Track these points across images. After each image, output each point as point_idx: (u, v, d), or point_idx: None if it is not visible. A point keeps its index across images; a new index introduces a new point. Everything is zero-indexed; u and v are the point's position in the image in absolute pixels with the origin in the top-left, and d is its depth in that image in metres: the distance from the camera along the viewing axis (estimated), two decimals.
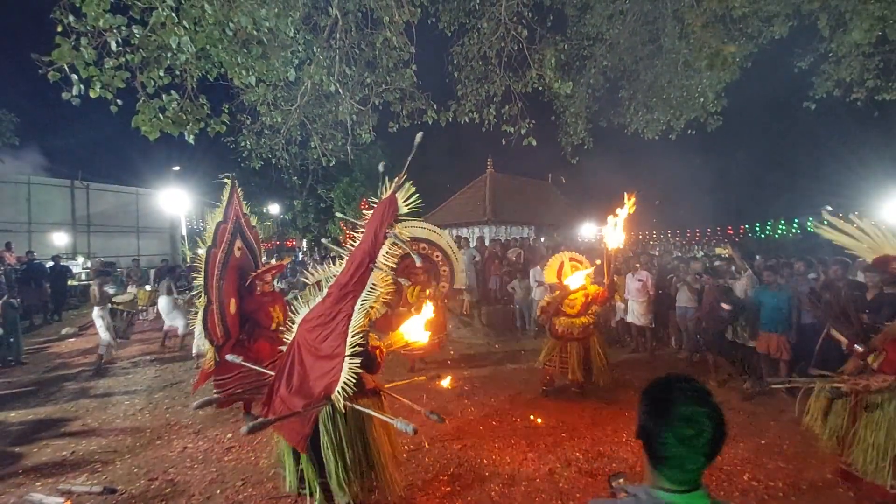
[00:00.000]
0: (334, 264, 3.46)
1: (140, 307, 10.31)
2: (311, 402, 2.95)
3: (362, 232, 3.19)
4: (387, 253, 3.10)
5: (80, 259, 14.90)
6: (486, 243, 12.21)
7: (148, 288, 11.00)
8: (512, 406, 5.24)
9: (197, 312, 4.41)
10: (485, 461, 3.97)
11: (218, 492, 3.56)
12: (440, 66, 6.76)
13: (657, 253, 13.14)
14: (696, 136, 7.57)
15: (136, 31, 3.85)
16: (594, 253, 6.87)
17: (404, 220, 3.35)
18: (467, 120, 6.62)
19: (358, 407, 3.01)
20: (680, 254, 13.86)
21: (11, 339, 7.23)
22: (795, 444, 4.16)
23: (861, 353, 3.51)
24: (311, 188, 25.25)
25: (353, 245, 3.24)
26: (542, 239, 16.77)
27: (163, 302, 7.94)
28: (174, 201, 16.96)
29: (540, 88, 6.45)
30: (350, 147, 6.99)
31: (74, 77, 3.63)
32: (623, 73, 7.41)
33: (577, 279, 5.52)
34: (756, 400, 5.29)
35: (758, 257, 9.19)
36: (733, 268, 7.31)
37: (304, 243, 25.26)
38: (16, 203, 15.19)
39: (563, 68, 6.60)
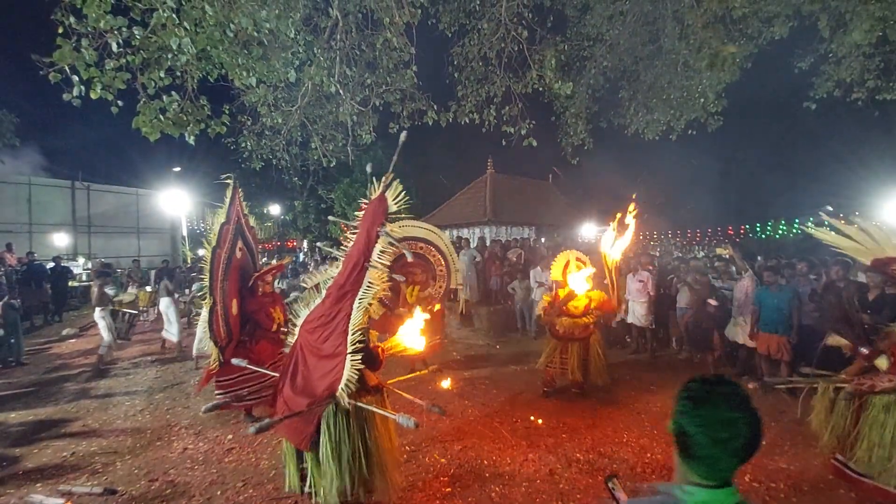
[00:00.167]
0: (331, 265, 3.50)
1: (141, 308, 10.32)
2: (315, 401, 2.99)
3: (356, 232, 3.24)
4: (381, 251, 3.15)
5: (81, 260, 14.91)
6: (487, 244, 12.20)
7: (148, 289, 11.01)
8: (512, 406, 5.23)
9: (201, 314, 4.42)
10: (485, 462, 3.96)
11: (218, 493, 3.56)
12: (440, 66, 6.78)
13: (658, 253, 13.14)
14: (696, 136, 7.57)
15: (136, 32, 3.86)
16: (594, 253, 6.88)
17: (401, 220, 3.38)
18: (468, 120, 6.62)
19: (360, 404, 3.05)
20: (680, 254, 13.87)
21: (12, 340, 7.24)
22: (796, 445, 4.16)
23: (866, 355, 3.50)
24: (312, 189, 25.24)
25: (347, 246, 3.28)
26: (543, 239, 16.77)
27: (164, 303, 7.94)
28: (175, 202, 16.96)
29: (540, 89, 6.45)
30: (350, 148, 7.00)
31: (75, 78, 3.64)
32: (623, 73, 7.41)
33: (580, 280, 5.52)
34: (756, 400, 5.28)
35: (759, 258, 9.19)
36: (734, 268, 7.32)
37: (305, 244, 25.25)
38: (16, 204, 15.21)
39: (563, 69, 6.61)
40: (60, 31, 3.57)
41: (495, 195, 17.65)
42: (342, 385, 2.96)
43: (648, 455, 4.08)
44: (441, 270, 6.68)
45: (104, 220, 17.61)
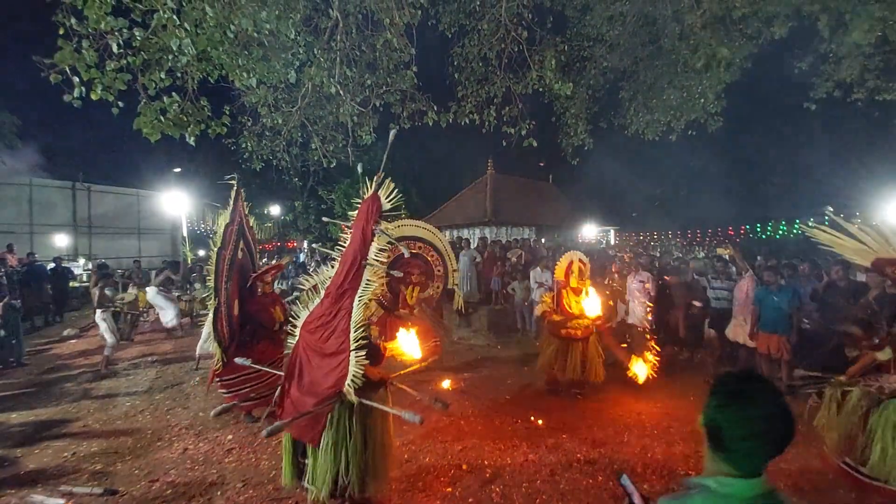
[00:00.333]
0: (328, 266, 3.53)
1: (141, 308, 10.32)
2: (323, 399, 3.04)
3: (350, 232, 3.29)
4: (378, 249, 3.20)
5: (82, 261, 14.92)
6: (488, 244, 12.20)
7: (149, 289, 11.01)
8: (512, 407, 5.23)
9: (207, 314, 4.43)
10: (486, 462, 3.96)
11: (218, 493, 3.56)
12: (440, 67, 6.78)
13: (658, 254, 13.14)
14: (696, 136, 7.57)
15: (137, 33, 3.87)
16: (594, 253, 6.89)
17: (399, 220, 3.43)
18: (468, 121, 6.62)
19: (366, 401, 3.10)
20: (681, 255, 13.85)
21: (13, 341, 7.24)
22: (797, 445, 4.14)
23: (874, 344, 3.47)
24: (312, 189, 25.26)
25: (343, 246, 3.33)
26: (543, 240, 16.77)
27: (150, 293, 7.92)
28: (175, 203, 16.97)
29: (540, 90, 6.45)
30: (351, 148, 7.00)
31: (76, 79, 3.65)
32: (623, 74, 7.41)
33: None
34: None
35: (759, 258, 9.18)
36: (734, 268, 7.31)
37: (306, 244, 25.26)
38: (17, 205, 15.22)
39: (563, 69, 6.61)
40: (61, 32, 3.58)
41: (495, 195, 17.67)
42: (348, 381, 3.01)
43: (649, 455, 4.08)
44: (439, 271, 6.69)
45: (105, 220, 17.62)
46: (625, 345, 7.74)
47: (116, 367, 7.03)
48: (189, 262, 14.35)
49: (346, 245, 3.29)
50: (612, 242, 22.03)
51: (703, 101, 6.61)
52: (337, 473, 3.05)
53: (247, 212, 5.06)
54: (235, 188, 4.73)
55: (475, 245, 12.34)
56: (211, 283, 4.38)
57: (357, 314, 3.12)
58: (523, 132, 6.37)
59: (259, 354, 4.69)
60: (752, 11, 5.48)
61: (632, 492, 1.38)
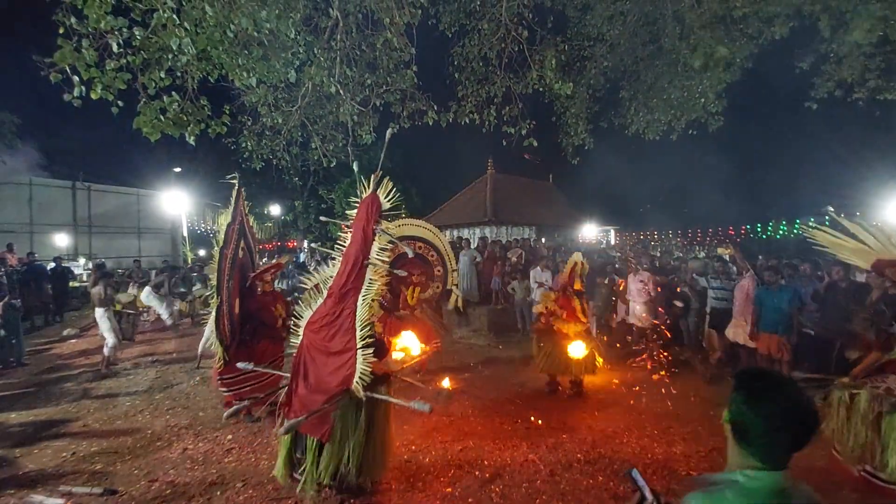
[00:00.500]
0: (328, 265, 3.56)
1: (140, 308, 10.31)
2: (331, 397, 3.13)
3: (350, 232, 3.34)
4: (380, 249, 3.27)
5: (82, 260, 14.92)
6: (488, 244, 12.19)
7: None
8: (512, 407, 5.23)
9: (210, 313, 4.44)
10: (486, 462, 3.96)
11: (218, 493, 3.56)
12: (441, 67, 6.76)
13: (658, 254, 13.13)
14: (696, 136, 7.56)
15: (137, 32, 3.86)
16: (595, 253, 6.90)
17: (400, 219, 3.47)
18: (468, 121, 6.61)
19: (375, 395, 3.21)
20: (681, 254, 13.85)
21: (13, 340, 7.24)
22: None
23: (883, 340, 3.44)
24: (312, 189, 25.26)
25: (343, 246, 3.38)
26: (543, 240, 16.77)
27: (144, 293, 7.90)
28: (175, 202, 16.98)
29: (540, 89, 6.44)
30: (351, 148, 6.99)
31: (76, 78, 3.64)
32: (623, 73, 7.40)
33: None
34: None
35: (760, 258, 9.17)
36: (734, 268, 7.31)
37: (306, 244, 25.27)
38: (17, 204, 15.22)
39: (563, 69, 6.59)
40: (61, 31, 3.58)
41: (496, 195, 17.66)
42: (356, 379, 3.10)
43: (649, 455, 4.07)
44: (439, 271, 6.67)
45: (105, 220, 17.62)
46: (625, 344, 7.76)
47: (116, 367, 7.03)
48: (189, 261, 14.35)
49: (346, 245, 3.33)
50: (612, 242, 22.02)
51: (703, 100, 6.60)
52: (339, 464, 3.14)
53: (247, 211, 5.08)
54: (236, 187, 4.74)
55: (475, 245, 12.34)
56: (213, 282, 4.38)
57: (362, 313, 3.19)
58: (523, 132, 6.36)
59: (260, 353, 4.72)
60: (753, 11, 5.47)
61: (642, 485, 1.37)
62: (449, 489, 3.56)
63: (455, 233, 16.78)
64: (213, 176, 21.29)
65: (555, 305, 5.64)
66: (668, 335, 7.01)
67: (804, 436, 1.11)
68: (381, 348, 3.37)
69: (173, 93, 4.35)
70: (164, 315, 7.71)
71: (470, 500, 3.44)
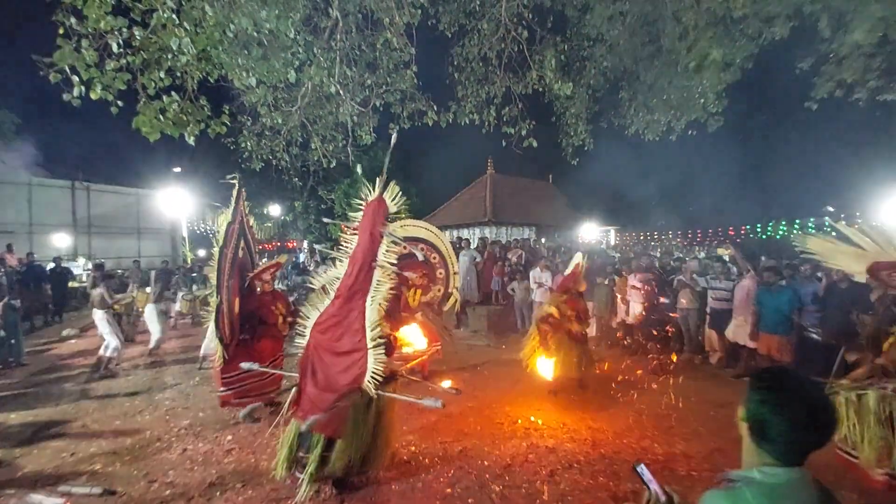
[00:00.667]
0: (330, 266, 3.60)
1: (139, 309, 10.29)
2: (342, 395, 3.20)
3: (356, 234, 3.38)
4: (386, 251, 3.32)
5: (81, 260, 14.91)
6: (488, 245, 12.20)
7: (148, 290, 10.98)
8: (513, 407, 5.22)
9: (210, 312, 4.45)
10: (486, 463, 3.95)
11: (218, 494, 3.55)
12: (440, 67, 6.76)
13: (658, 254, 13.14)
14: (696, 137, 7.55)
15: (136, 33, 3.86)
16: (595, 253, 6.91)
17: (401, 220, 3.50)
18: (468, 121, 6.61)
19: (386, 393, 3.30)
20: (681, 255, 13.85)
21: (12, 341, 7.22)
22: None
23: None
24: (312, 189, 25.22)
25: (347, 247, 3.42)
26: (543, 240, 16.77)
27: (147, 311, 7.86)
28: (175, 202, 16.97)
29: (540, 89, 6.44)
30: (351, 148, 6.99)
31: (75, 78, 3.64)
32: (623, 73, 7.38)
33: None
34: None
35: (763, 258, 9.16)
36: (735, 269, 7.31)
37: (306, 244, 25.29)
38: (17, 204, 15.20)
39: (563, 69, 6.58)
40: (61, 31, 3.57)
41: (495, 195, 17.66)
42: (367, 378, 3.17)
43: (649, 456, 4.07)
44: (441, 274, 6.65)
45: (104, 220, 17.59)
46: (625, 343, 7.76)
47: (116, 368, 7.01)
48: (189, 262, 14.35)
49: (352, 246, 3.38)
50: (612, 243, 22.02)
51: (703, 101, 6.59)
52: (350, 459, 3.25)
53: (247, 211, 5.09)
54: (237, 187, 4.75)
55: (475, 245, 12.33)
56: (213, 281, 4.39)
57: (372, 314, 3.26)
58: (523, 132, 6.36)
59: (260, 352, 4.74)
60: (753, 12, 5.46)
61: (649, 480, 1.36)
62: (449, 489, 3.56)
63: (455, 233, 16.78)
64: (212, 176, 21.25)
65: (566, 308, 5.65)
66: (657, 333, 7.02)
67: (825, 434, 1.12)
68: (388, 347, 3.43)
69: (173, 93, 4.34)
70: (155, 335, 7.61)
71: (470, 500, 3.43)
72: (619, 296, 7.93)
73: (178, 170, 21.11)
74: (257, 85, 5.15)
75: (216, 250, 4.40)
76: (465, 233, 16.63)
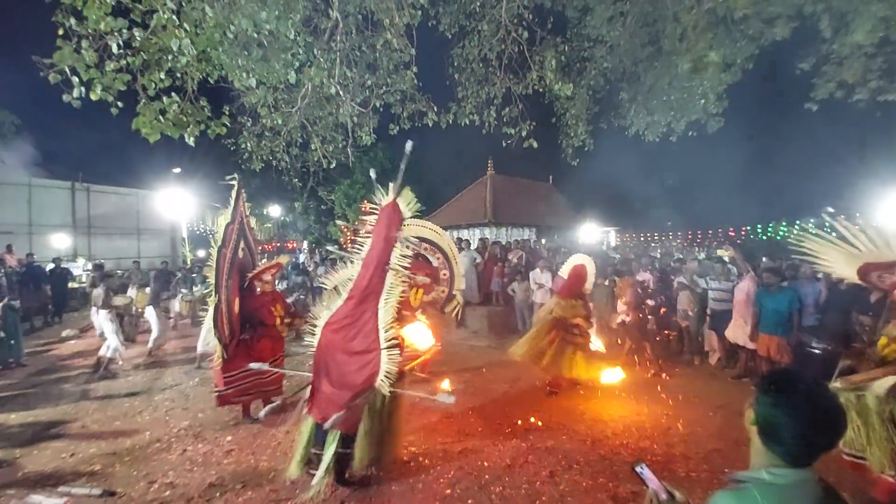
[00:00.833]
0: (334, 267, 3.65)
1: (139, 309, 10.29)
2: (357, 394, 3.32)
3: (369, 237, 3.45)
4: (400, 255, 3.42)
5: (81, 261, 14.91)
6: (488, 245, 12.19)
7: (147, 290, 10.98)
8: (512, 408, 5.22)
9: (207, 313, 4.46)
10: (485, 463, 3.95)
11: (217, 495, 3.55)
12: (441, 68, 6.76)
13: (658, 255, 13.14)
14: (696, 138, 7.55)
15: (136, 33, 3.85)
16: (595, 254, 6.93)
17: (407, 220, 3.58)
18: (468, 122, 6.61)
19: (400, 391, 3.46)
20: (681, 255, 13.84)
21: (12, 342, 7.22)
22: None
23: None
24: (312, 190, 25.26)
25: (357, 249, 3.51)
26: (543, 241, 16.77)
27: (148, 311, 7.86)
28: (175, 203, 16.97)
29: (540, 90, 6.44)
30: (351, 149, 6.98)
31: (75, 79, 3.64)
32: (623, 74, 7.39)
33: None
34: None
35: (763, 259, 9.15)
36: (735, 269, 7.30)
37: (306, 245, 25.32)
38: (16, 205, 15.22)
39: (563, 70, 6.58)
40: (61, 32, 3.57)
41: (496, 196, 17.66)
42: (381, 377, 3.27)
43: (649, 457, 4.06)
44: (444, 275, 6.62)
45: (104, 221, 17.61)
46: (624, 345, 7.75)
47: (116, 368, 7.01)
48: (188, 262, 14.33)
49: (365, 249, 3.47)
50: (613, 244, 22.03)
51: (703, 102, 6.59)
52: (369, 451, 3.43)
53: (248, 212, 5.10)
54: (237, 188, 4.76)
55: (475, 246, 12.33)
56: (212, 281, 4.39)
57: (385, 316, 3.35)
58: (523, 133, 6.36)
59: (260, 352, 4.76)
60: (754, 12, 5.46)
61: (648, 479, 1.36)
62: (448, 490, 3.55)
63: (455, 234, 16.78)
64: (212, 177, 21.23)
65: (581, 311, 5.67)
66: (657, 335, 7.02)
67: (835, 435, 1.14)
68: (398, 347, 3.54)
69: (173, 94, 4.34)
70: (154, 332, 7.60)
71: (470, 501, 3.43)
72: (619, 297, 7.91)
73: (177, 170, 21.09)
74: (257, 86, 5.15)
75: (215, 250, 4.40)
76: (465, 233, 16.64)
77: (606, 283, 8.14)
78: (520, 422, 4.82)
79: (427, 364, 6.35)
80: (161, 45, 3.99)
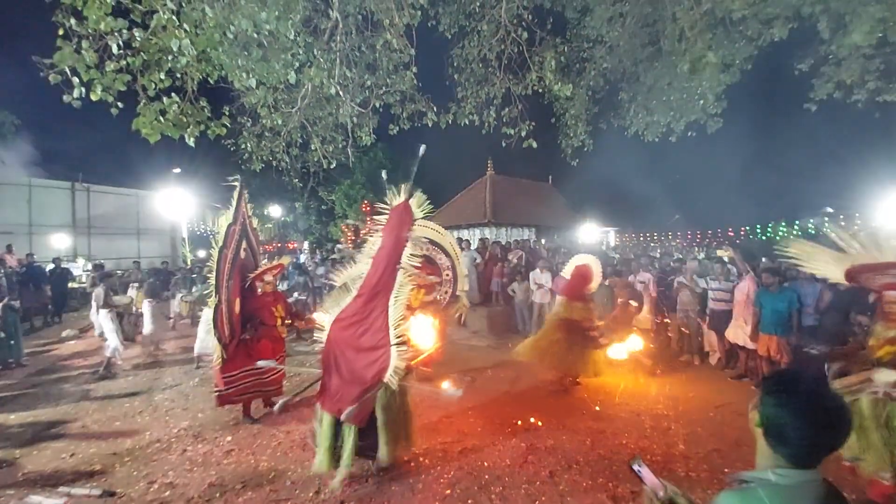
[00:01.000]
0: (335, 267, 3.70)
1: (139, 309, 10.29)
2: (368, 388, 3.40)
3: (379, 236, 3.54)
4: (410, 255, 3.49)
5: (81, 261, 14.92)
6: (488, 245, 12.19)
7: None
8: (512, 408, 5.22)
9: (205, 313, 4.49)
10: (485, 464, 3.95)
11: (217, 495, 3.55)
12: (440, 68, 6.76)
13: (658, 255, 13.14)
14: (696, 138, 7.56)
15: (137, 34, 3.86)
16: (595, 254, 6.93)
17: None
18: (467, 122, 6.61)
19: (408, 385, 3.54)
20: (681, 255, 13.85)
21: (12, 342, 7.22)
22: None
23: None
24: (312, 190, 25.26)
25: (363, 247, 3.62)
26: (543, 241, 16.78)
27: (144, 305, 7.87)
28: (175, 203, 16.97)
29: (540, 91, 6.45)
30: (351, 149, 6.99)
31: (75, 80, 3.64)
32: (623, 75, 7.40)
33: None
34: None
35: (763, 259, 9.14)
36: (735, 269, 7.31)
37: (306, 245, 25.32)
38: (16, 205, 15.22)
39: (563, 70, 6.58)
40: (61, 32, 3.57)
41: (495, 196, 17.67)
42: (390, 372, 3.35)
43: (648, 457, 4.06)
44: (447, 275, 6.61)
45: (104, 221, 17.61)
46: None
47: (116, 368, 7.01)
48: (188, 262, 14.33)
49: (376, 248, 3.54)
50: (612, 244, 22.04)
51: (702, 102, 6.60)
52: (393, 443, 3.55)
53: (250, 213, 5.12)
54: (239, 190, 4.77)
55: (475, 246, 12.34)
56: (212, 282, 4.41)
57: (395, 313, 3.43)
58: (523, 133, 6.36)
59: (260, 352, 4.78)
60: (753, 13, 5.47)
61: (646, 475, 1.36)
62: (448, 490, 3.56)
63: (455, 234, 16.79)
64: (212, 177, 21.25)
65: (590, 313, 5.70)
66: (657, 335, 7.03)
67: (841, 436, 1.13)
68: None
69: (173, 94, 4.34)
70: (146, 327, 7.62)
71: (470, 501, 3.43)
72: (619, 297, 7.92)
73: (177, 171, 21.10)
74: (257, 86, 5.15)
75: (215, 251, 4.42)
76: (464, 234, 16.64)
77: (607, 283, 8.14)
78: (519, 422, 4.83)
79: (429, 364, 6.37)
80: (161, 46, 3.99)
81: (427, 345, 4.19)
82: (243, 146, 6.64)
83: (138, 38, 3.87)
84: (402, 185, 3.49)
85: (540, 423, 4.78)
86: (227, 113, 5.12)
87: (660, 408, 5.20)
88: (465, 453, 4.14)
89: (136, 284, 9.50)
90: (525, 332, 8.95)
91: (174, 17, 3.83)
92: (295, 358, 6.29)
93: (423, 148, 3.56)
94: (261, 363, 4.34)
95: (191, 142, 4.60)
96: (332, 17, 5.39)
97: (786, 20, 5.68)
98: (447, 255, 6.29)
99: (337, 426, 3.50)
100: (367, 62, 6.15)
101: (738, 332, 6.18)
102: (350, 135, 6.72)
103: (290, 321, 5.28)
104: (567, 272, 6.19)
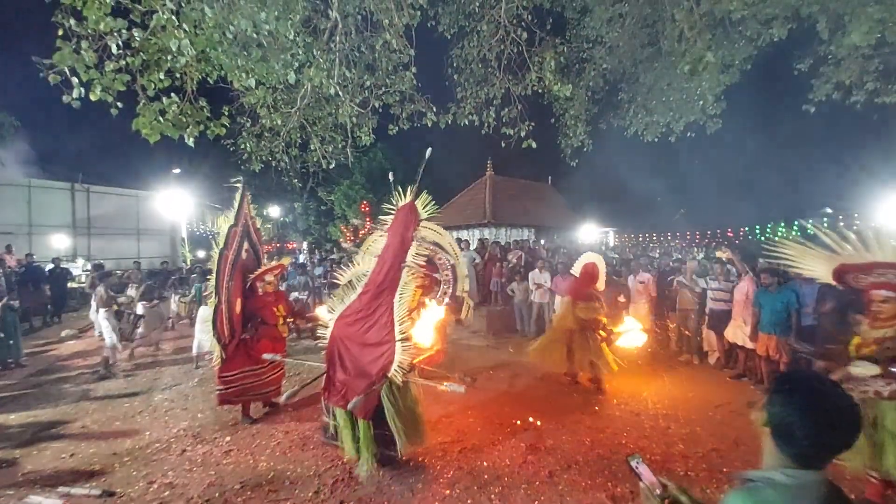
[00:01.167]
0: (335, 267, 3.74)
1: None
2: (373, 382, 3.48)
3: (384, 235, 3.62)
4: (415, 254, 3.57)
5: (80, 261, 14.91)
6: (487, 246, 12.20)
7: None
8: (512, 408, 5.22)
9: (203, 313, 4.51)
10: (484, 464, 3.96)
11: (216, 495, 3.55)
12: (440, 68, 6.77)
13: (657, 255, 13.15)
14: (695, 138, 7.57)
15: (136, 34, 3.86)
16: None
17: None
18: (467, 122, 6.62)
19: (413, 380, 3.60)
20: (680, 256, 13.86)
21: (11, 342, 7.22)
22: None
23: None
24: (312, 191, 25.29)
25: (364, 247, 3.72)
26: (542, 241, 16.79)
27: (139, 307, 7.87)
28: (174, 204, 16.97)
29: (539, 91, 6.45)
30: (350, 150, 6.99)
31: (75, 80, 3.64)
32: (622, 75, 7.41)
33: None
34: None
35: (761, 260, 9.15)
36: (734, 270, 7.31)
37: (305, 245, 25.32)
38: (16, 205, 15.21)
39: (562, 71, 6.59)
40: (60, 33, 3.58)
41: (495, 197, 17.68)
42: (394, 367, 3.42)
43: (648, 457, 4.07)
44: (447, 276, 6.59)
45: (104, 221, 17.59)
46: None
47: (115, 368, 7.00)
48: (188, 263, 14.33)
49: (382, 247, 3.63)
50: (612, 244, 22.05)
51: (702, 102, 6.61)
52: (404, 436, 3.58)
53: (253, 214, 5.13)
54: (241, 191, 4.79)
55: (474, 247, 12.35)
56: (212, 282, 4.41)
57: (400, 310, 3.49)
58: (522, 133, 6.37)
59: (258, 352, 4.77)
60: (752, 14, 5.49)
61: (643, 472, 1.36)
62: (448, 490, 3.56)
63: (454, 234, 16.79)
64: (212, 177, 21.32)
65: (600, 312, 5.72)
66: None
67: (850, 436, 1.12)
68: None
69: (172, 94, 4.34)
70: (140, 329, 7.64)
71: (469, 501, 3.43)
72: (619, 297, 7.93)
73: (177, 171, 21.11)
74: (256, 86, 5.15)
75: (216, 252, 4.42)
76: (464, 234, 16.65)
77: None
78: (519, 422, 4.83)
79: (431, 361, 6.38)
80: (160, 46, 3.99)
81: (428, 345, 4.19)
82: (243, 146, 6.64)
83: (138, 38, 3.87)
84: (409, 186, 3.56)
85: (539, 423, 4.78)
86: (226, 113, 5.13)
87: (659, 407, 5.20)
88: (464, 453, 4.15)
89: (136, 285, 9.50)
90: (524, 332, 8.96)
91: (173, 17, 3.83)
92: (295, 358, 6.28)
93: (429, 151, 3.62)
94: (266, 356, 4.45)
95: (190, 142, 4.60)
96: (332, 17, 5.39)
97: (785, 20, 5.70)
98: (447, 255, 6.29)
99: (351, 416, 3.57)
100: (367, 62, 6.15)
101: (738, 332, 6.19)
102: (349, 135, 6.72)
103: (291, 320, 5.30)
104: (576, 270, 6.18)
